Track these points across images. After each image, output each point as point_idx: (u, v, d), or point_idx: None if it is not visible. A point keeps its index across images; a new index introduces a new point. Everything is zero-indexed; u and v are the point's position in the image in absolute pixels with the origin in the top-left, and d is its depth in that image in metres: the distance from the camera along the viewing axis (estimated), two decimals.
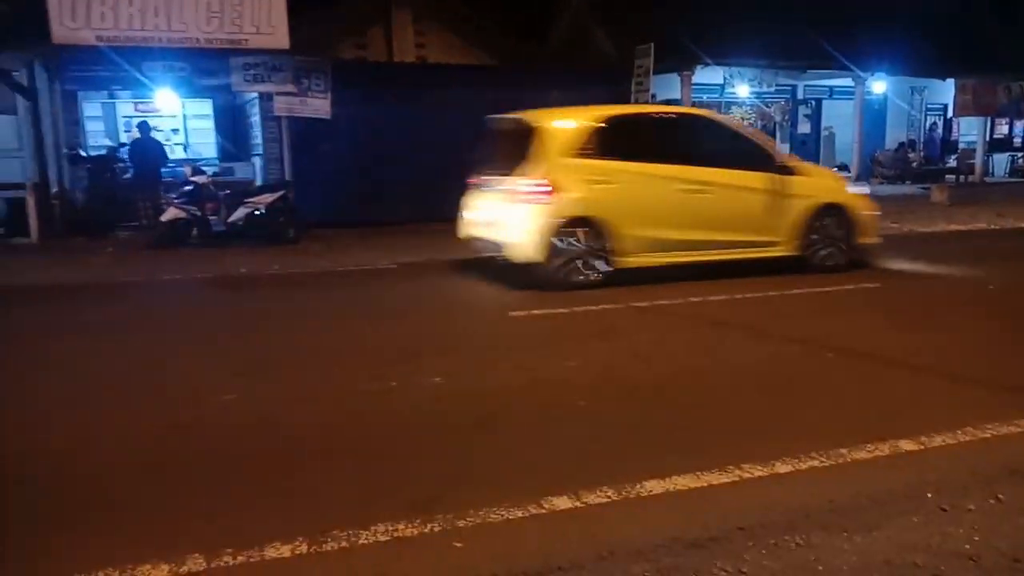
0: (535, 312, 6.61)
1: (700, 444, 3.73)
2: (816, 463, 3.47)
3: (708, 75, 16.41)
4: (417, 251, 10.07)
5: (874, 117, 20.45)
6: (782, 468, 3.41)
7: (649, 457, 3.56)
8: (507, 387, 4.69)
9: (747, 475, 3.34)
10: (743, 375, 4.91)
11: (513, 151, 7.57)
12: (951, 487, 3.23)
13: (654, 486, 3.24)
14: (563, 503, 3.10)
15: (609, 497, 3.15)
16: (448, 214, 8.70)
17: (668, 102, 16.93)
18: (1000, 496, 3.14)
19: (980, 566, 2.65)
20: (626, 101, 14.44)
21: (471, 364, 5.21)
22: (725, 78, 16.52)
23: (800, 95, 19.78)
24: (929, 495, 3.15)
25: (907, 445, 3.66)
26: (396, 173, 12.73)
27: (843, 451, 3.58)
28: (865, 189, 10.10)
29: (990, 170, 21.82)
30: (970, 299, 7.16)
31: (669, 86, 16.01)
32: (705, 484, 3.27)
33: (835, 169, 20.15)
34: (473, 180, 8.31)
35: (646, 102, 14.08)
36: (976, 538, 2.82)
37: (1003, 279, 7.95)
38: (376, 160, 12.73)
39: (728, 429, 3.96)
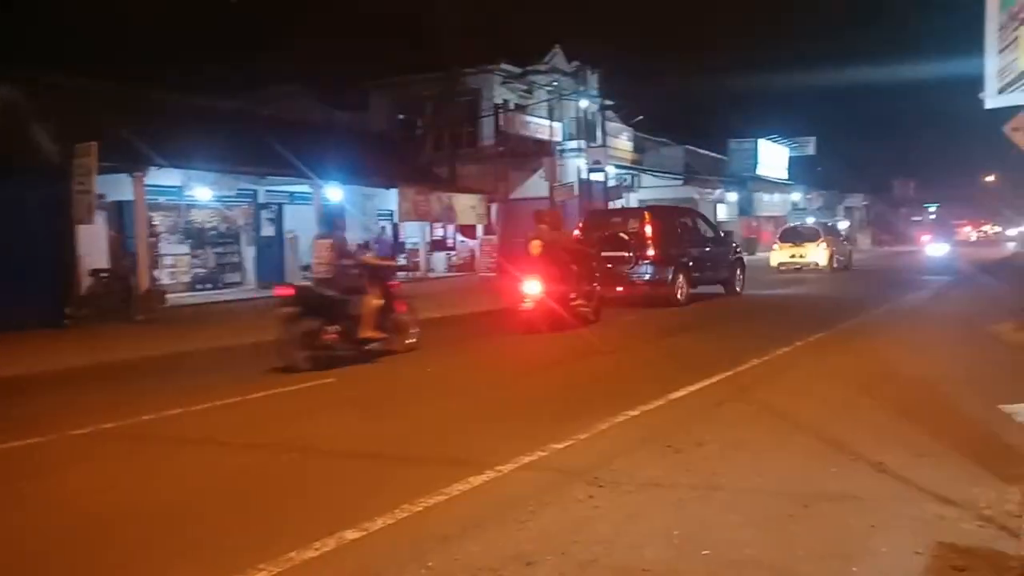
0: None
1: None
2: (265, 574, 3.37)
3: (166, 177, 15.84)
4: None
5: (332, 221, 22.04)
6: None
7: None
8: None
9: None
10: (196, 495, 4.61)
11: None
12: (389, 567, 3.43)
13: None
14: None
15: None
16: None
17: (119, 203, 15.84)
18: (430, 564, 3.44)
19: None
20: (68, 200, 13.09)
21: None
22: (184, 180, 16.13)
23: (262, 199, 20.34)
24: None
25: (352, 534, 3.79)
26: None
27: (292, 555, 3.55)
28: None
29: (432, 267, 25.28)
30: (413, 383, 7.97)
31: (119, 186, 15.00)
32: None
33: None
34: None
35: (89, 203, 12.93)
36: None
37: (438, 363, 9.08)
38: None
39: (167, 559, 3.65)
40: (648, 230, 14.50)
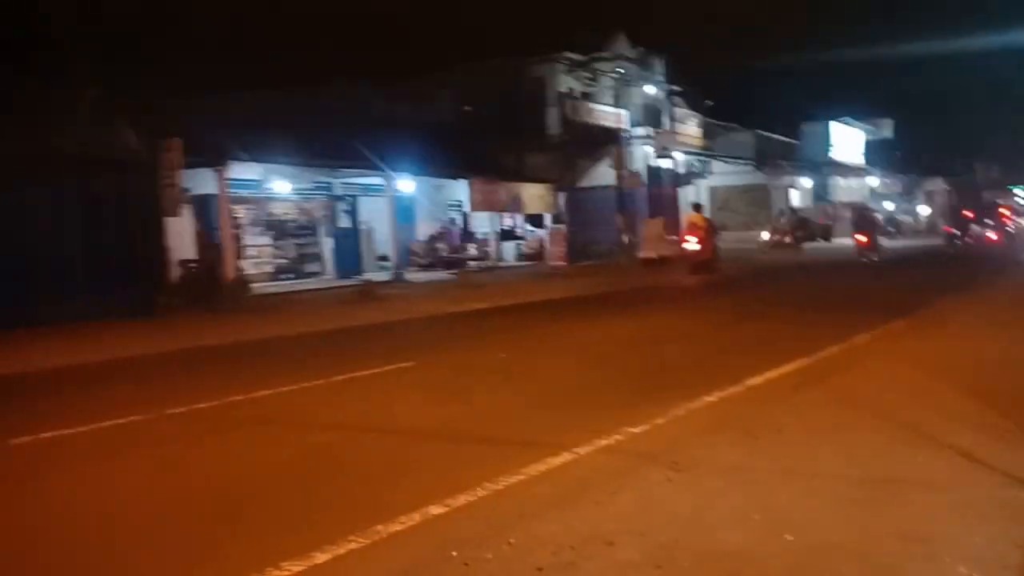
0: None
1: (234, 551, 3.56)
2: (354, 545, 3.53)
3: (245, 170, 16.41)
4: None
5: (405, 212, 22.51)
6: (321, 557, 3.39)
7: (184, 569, 3.27)
8: None
9: (285, 572, 3.25)
10: (286, 470, 4.84)
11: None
12: (472, 541, 3.54)
13: None
14: None
15: None
16: None
17: (203, 197, 16.50)
18: (511, 541, 3.53)
19: None
20: (154, 194, 13.69)
21: None
22: (263, 174, 16.66)
23: (338, 192, 20.85)
24: (454, 553, 3.40)
25: (436, 509, 3.93)
26: None
27: (379, 528, 3.70)
28: None
29: (502, 256, 25.48)
30: (489, 369, 8.08)
31: (203, 180, 15.61)
32: None
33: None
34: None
35: (176, 197, 13.52)
36: None
37: (512, 348, 9.19)
38: None
39: (263, 530, 3.85)
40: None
